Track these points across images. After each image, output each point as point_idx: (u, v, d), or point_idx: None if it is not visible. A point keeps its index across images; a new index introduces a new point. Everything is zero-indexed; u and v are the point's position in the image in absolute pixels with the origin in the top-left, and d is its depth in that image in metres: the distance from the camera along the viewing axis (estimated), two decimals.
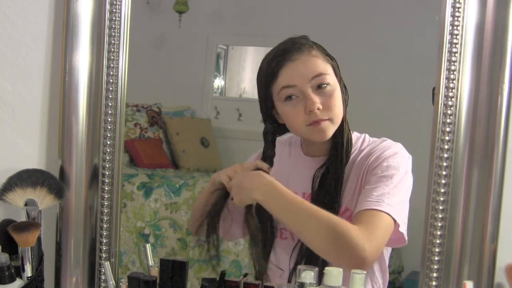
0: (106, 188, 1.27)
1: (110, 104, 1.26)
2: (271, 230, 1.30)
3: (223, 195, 1.28)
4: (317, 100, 1.21)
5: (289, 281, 1.26)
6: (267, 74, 1.24)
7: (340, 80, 1.26)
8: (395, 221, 1.16)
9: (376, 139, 1.31)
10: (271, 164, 1.29)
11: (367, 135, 1.32)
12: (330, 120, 1.23)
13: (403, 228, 1.18)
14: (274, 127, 1.30)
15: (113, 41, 1.25)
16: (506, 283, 1.04)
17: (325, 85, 1.23)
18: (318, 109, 1.21)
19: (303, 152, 1.35)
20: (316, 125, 1.23)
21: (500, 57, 1.04)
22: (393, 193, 1.18)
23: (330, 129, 1.24)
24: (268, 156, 1.30)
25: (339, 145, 1.26)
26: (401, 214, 1.18)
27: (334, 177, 1.25)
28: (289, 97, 1.23)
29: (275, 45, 1.28)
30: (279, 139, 1.35)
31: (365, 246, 1.10)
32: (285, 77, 1.22)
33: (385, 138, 1.30)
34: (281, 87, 1.23)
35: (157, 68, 2.15)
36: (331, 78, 1.24)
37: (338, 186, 1.25)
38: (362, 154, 1.28)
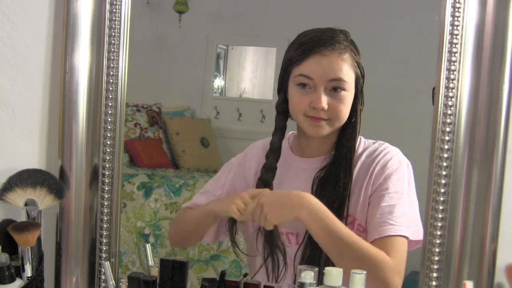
0: (106, 188, 1.26)
1: (110, 104, 1.26)
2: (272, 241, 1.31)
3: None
4: (325, 100, 1.22)
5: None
6: (294, 56, 1.25)
7: (360, 89, 1.27)
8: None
9: (371, 141, 1.32)
10: (283, 136, 1.31)
11: (362, 137, 1.32)
12: (329, 120, 1.25)
13: (419, 236, 1.21)
14: (284, 102, 1.31)
15: (113, 41, 1.25)
16: (506, 283, 1.04)
17: (340, 90, 1.24)
18: (322, 109, 1.23)
19: (293, 152, 1.35)
20: (314, 121, 1.25)
21: (500, 57, 1.04)
22: (409, 212, 1.23)
23: (326, 129, 1.26)
24: (279, 128, 1.31)
25: (348, 151, 1.27)
26: (418, 231, 1.22)
27: (344, 182, 1.26)
28: (302, 85, 1.25)
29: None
30: (259, 143, 1.37)
31: (395, 282, 1.16)
32: (307, 67, 1.23)
33: (382, 142, 1.31)
34: (299, 73, 1.24)
35: (157, 68, 2.15)
36: (349, 85, 1.25)
37: (347, 191, 1.25)
38: (362, 159, 1.28)
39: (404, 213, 1.22)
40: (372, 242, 1.20)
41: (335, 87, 1.24)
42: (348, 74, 1.24)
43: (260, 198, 1.20)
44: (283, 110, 1.31)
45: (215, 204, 1.31)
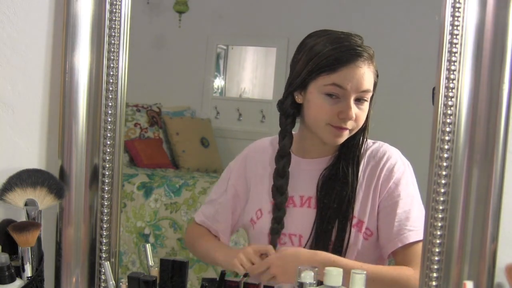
0: (106, 188, 1.26)
1: (110, 104, 1.26)
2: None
3: None
4: (354, 111, 1.23)
5: None
6: (325, 63, 1.23)
7: (373, 95, 1.28)
8: None
9: (370, 141, 1.32)
10: (292, 140, 1.28)
11: None
12: (351, 130, 1.25)
13: None
14: (292, 105, 1.29)
15: (113, 41, 1.25)
16: (506, 283, 1.04)
17: (364, 100, 1.25)
18: (350, 119, 1.23)
19: (294, 154, 1.33)
20: (339, 131, 1.24)
21: (500, 57, 1.04)
22: (421, 213, 1.21)
23: (345, 137, 1.26)
24: (289, 132, 1.29)
25: (355, 154, 1.28)
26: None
27: (351, 184, 1.26)
28: (330, 94, 1.23)
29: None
30: (259, 144, 1.36)
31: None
32: (342, 78, 1.22)
33: (381, 142, 1.31)
34: (332, 83, 1.22)
35: (157, 68, 2.15)
36: (370, 95, 1.26)
37: (353, 192, 1.26)
38: (365, 160, 1.29)
39: (418, 215, 1.23)
40: (395, 251, 1.22)
41: (360, 98, 1.24)
42: (372, 84, 1.25)
43: (270, 269, 1.20)
44: (292, 114, 1.29)
45: (222, 254, 1.32)
